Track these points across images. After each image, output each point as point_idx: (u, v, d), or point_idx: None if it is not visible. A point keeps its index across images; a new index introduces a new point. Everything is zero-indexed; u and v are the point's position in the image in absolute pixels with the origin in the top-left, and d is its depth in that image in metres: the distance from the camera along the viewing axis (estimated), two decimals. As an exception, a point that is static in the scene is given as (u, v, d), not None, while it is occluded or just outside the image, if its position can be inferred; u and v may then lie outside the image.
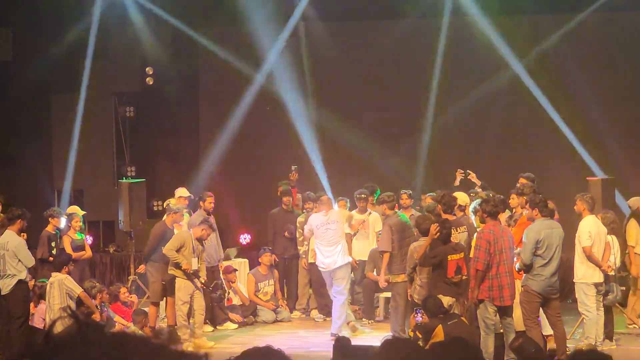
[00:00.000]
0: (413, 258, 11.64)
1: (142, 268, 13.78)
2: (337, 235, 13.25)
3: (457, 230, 11.76)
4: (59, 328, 2.31)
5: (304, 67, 17.99)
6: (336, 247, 13.21)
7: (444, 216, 11.77)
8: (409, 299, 11.98)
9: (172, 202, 13.56)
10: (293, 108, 17.90)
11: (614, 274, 12.10)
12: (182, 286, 12.62)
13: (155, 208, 17.42)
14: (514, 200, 12.62)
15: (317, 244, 13.45)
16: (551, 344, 11.34)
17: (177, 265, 12.59)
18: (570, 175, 15.73)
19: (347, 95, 17.84)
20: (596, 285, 11.69)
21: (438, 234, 11.14)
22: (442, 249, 11.12)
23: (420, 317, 10.68)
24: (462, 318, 10.47)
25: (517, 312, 11.06)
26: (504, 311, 10.88)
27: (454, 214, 12.16)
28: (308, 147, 17.71)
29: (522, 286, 10.98)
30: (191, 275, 12.63)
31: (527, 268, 10.89)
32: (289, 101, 17.89)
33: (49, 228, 13.64)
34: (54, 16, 17.60)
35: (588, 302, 11.62)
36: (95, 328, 2.18)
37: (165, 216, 13.91)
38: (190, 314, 12.69)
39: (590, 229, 11.69)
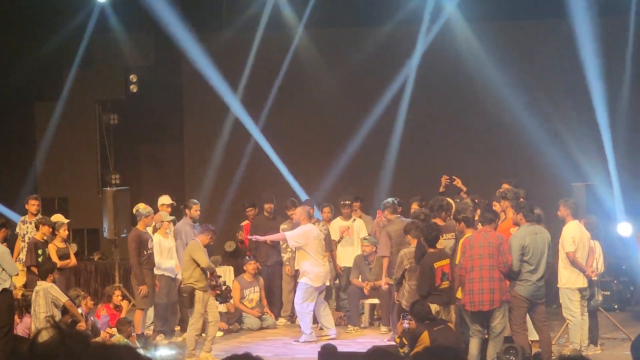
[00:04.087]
0: (402, 264, 11.67)
1: (144, 289, 13.22)
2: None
3: (443, 237, 11.78)
4: (44, 337, 2.30)
5: (288, 73, 17.99)
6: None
7: (438, 221, 11.83)
8: (397, 303, 12.02)
9: (140, 207, 13.53)
10: (276, 113, 17.91)
11: (596, 278, 12.15)
12: (202, 298, 12.24)
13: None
14: (496, 206, 12.66)
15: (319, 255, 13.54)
16: (536, 349, 11.38)
17: (208, 273, 12.34)
18: (554, 181, 15.77)
19: (329, 102, 17.84)
20: (580, 290, 11.73)
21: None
22: (429, 258, 11.08)
23: (407, 324, 10.68)
24: (448, 324, 10.50)
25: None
26: (489, 316, 10.90)
27: (449, 217, 12.24)
28: (292, 153, 17.72)
29: (509, 292, 10.99)
30: (207, 287, 12.41)
31: (515, 275, 10.89)
32: (273, 106, 17.92)
33: (37, 236, 13.60)
34: (37, 23, 17.56)
35: (572, 307, 11.66)
36: (79, 340, 2.17)
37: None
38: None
39: (574, 234, 11.72)
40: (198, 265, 12.18)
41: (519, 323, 10.93)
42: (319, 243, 13.42)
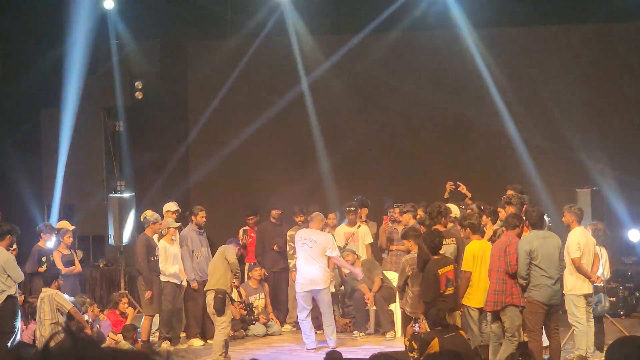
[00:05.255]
0: (405, 271, 11.64)
1: (149, 294, 13.27)
2: (315, 254, 13.25)
3: (444, 242, 11.77)
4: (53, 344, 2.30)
5: (290, 78, 18.01)
6: (315, 267, 13.25)
7: (438, 227, 11.83)
8: (401, 310, 12.01)
9: (147, 214, 13.57)
10: (282, 119, 17.92)
11: (603, 284, 12.12)
12: (229, 302, 12.37)
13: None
14: (501, 212, 12.63)
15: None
16: (544, 354, 11.33)
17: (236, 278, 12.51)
18: (558, 187, 15.76)
19: (337, 108, 17.85)
20: (586, 296, 11.69)
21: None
22: (433, 265, 11.05)
23: (417, 327, 10.65)
24: (460, 332, 10.42)
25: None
26: (492, 318, 10.94)
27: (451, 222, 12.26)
28: (297, 158, 17.72)
29: (524, 297, 10.93)
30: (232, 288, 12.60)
31: (524, 280, 10.85)
32: (277, 113, 17.93)
33: (41, 243, 13.63)
34: (42, 30, 17.59)
35: (578, 314, 11.62)
36: (90, 344, 2.17)
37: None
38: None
39: (579, 240, 11.69)
40: (228, 262, 12.19)
41: (535, 329, 10.83)
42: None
